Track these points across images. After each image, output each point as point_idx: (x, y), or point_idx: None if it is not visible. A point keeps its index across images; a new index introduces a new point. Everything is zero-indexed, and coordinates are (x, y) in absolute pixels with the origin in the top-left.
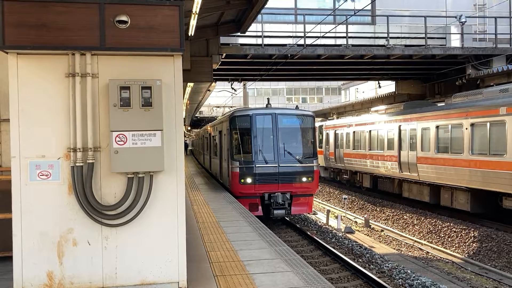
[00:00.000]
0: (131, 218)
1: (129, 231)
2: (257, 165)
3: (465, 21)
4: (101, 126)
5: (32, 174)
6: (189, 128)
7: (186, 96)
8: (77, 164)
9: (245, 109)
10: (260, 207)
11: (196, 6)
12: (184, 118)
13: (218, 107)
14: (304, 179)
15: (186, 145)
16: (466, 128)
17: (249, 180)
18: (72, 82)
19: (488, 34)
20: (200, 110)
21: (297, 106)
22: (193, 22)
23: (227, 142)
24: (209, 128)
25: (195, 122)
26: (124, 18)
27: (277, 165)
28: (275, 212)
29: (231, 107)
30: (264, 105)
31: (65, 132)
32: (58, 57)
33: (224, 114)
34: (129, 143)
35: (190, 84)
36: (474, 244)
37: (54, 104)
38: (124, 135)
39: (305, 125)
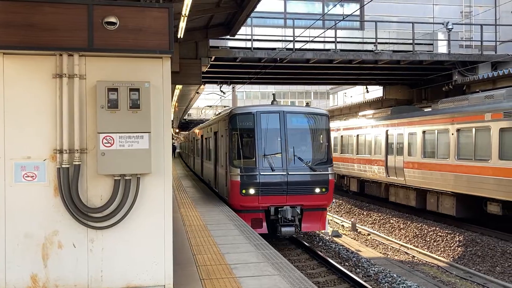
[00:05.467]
0: (117, 221)
1: (115, 233)
2: (261, 173)
3: (452, 28)
4: (88, 127)
5: (17, 176)
6: (177, 130)
7: (175, 98)
8: (63, 166)
9: (247, 106)
10: (264, 224)
11: (186, 9)
12: (172, 121)
13: (210, 106)
14: (317, 190)
15: (174, 148)
16: (452, 134)
17: (251, 191)
18: (59, 83)
19: (474, 41)
20: (188, 112)
21: (307, 103)
22: (182, 25)
23: (225, 145)
24: (201, 129)
25: (184, 124)
26: (113, 19)
27: (285, 173)
28: (283, 229)
29: (225, 106)
30: (270, 102)
31: (51, 133)
32: (45, 57)
33: (219, 114)
34: (116, 145)
35: (179, 87)
36: (459, 249)
37: (41, 104)
38: (111, 137)
39: (318, 125)
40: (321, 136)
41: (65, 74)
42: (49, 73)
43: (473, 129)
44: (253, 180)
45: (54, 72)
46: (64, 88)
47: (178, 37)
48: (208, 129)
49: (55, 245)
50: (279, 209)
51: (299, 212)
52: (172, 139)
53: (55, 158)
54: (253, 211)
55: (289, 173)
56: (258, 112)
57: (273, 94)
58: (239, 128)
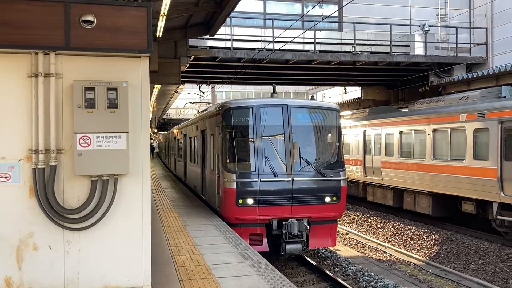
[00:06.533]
0: (95, 222)
1: (92, 235)
2: (262, 179)
3: (428, 30)
4: (64, 127)
5: None
6: (155, 130)
7: (153, 98)
8: (39, 167)
9: (244, 99)
10: (265, 240)
11: (165, 8)
12: (151, 120)
13: (193, 103)
14: (327, 199)
15: (152, 148)
16: (429, 134)
17: (250, 200)
18: (34, 82)
19: (450, 43)
20: (167, 112)
21: (312, 97)
22: (161, 24)
23: (216, 146)
24: (184, 127)
25: (162, 124)
26: (90, 18)
27: (290, 179)
28: (288, 247)
29: (209, 103)
30: (269, 95)
31: (26, 133)
32: (21, 56)
33: (206, 110)
34: (93, 145)
35: (158, 86)
36: (435, 247)
37: (16, 104)
38: (88, 137)
39: (328, 122)
40: (331, 134)
41: (40, 73)
42: (24, 72)
43: (449, 130)
44: (251, 187)
45: (30, 71)
46: (40, 87)
47: (157, 36)
48: (194, 127)
49: (30, 247)
50: (283, 222)
51: (307, 226)
52: (151, 139)
53: (31, 159)
54: (251, 225)
55: (295, 179)
56: (257, 106)
57: (273, 85)
58: (234, 125)
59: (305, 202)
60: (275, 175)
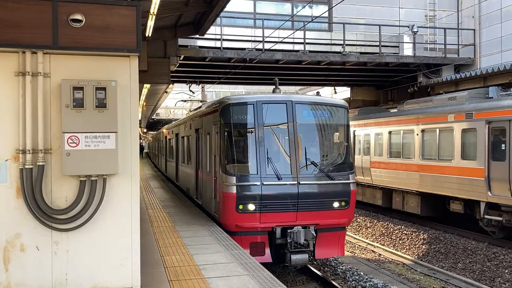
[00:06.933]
0: (83, 223)
1: (80, 235)
2: (264, 183)
3: (417, 31)
4: (52, 127)
5: None
6: (145, 130)
7: (143, 97)
8: (27, 167)
9: (244, 95)
10: (267, 250)
11: (154, 7)
12: (140, 120)
13: (185, 101)
14: (335, 204)
15: (141, 148)
16: (417, 134)
17: (251, 206)
18: (22, 81)
19: (438, 44)
20: (157, 112)
21: (318, 92)
22: (150, 23)
23: (213, 146)
24: (176, 126)
25: (152, 124)
26: (78, 17)
27: (295, 182)
28: (294, 257)
29: (202, 101)
30: (271, 91)
31: (14, 133)
32: (8, 54)
33: (199, 108)
34: (81, 145)
35: (147, 86)
36: (423, 246)
37: (3, 103)
38: (77, 137)
39: (336, 120)
40: (339, 133)
41: (28, 72)
42: (11, 70)
43: (437, 130)
44: (253, 191)
45: (17, 70)
46: (27, 86)
47: (146, 35)
48: (187, 125)
49: (17, 249)
50: (288, 230)
51: (314, 234)
52: (140, 139)
53: (18, 159)
54: (252, 233)
55: (301, 182)
56: (259, 102)
57: (275, 80)
58: (234, 123)
59: (311, 208)
60: (278, 178)
